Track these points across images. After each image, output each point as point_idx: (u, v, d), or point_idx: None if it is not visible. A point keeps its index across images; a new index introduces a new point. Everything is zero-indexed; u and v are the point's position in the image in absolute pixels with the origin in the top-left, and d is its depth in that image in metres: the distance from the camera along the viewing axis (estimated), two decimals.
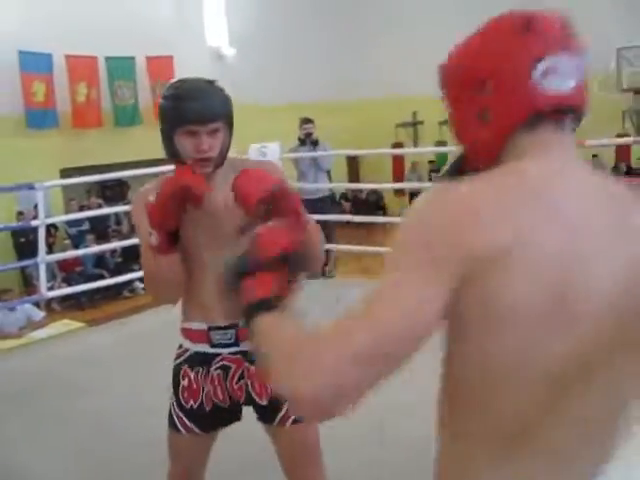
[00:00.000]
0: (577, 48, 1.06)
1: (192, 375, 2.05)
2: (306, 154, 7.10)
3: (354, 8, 16.49)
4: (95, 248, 9.35)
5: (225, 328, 1.99)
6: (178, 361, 2.10)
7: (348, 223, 14.75)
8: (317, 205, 7.13)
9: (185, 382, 2.05)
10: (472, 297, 0.93)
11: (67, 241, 10.79)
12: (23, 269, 10.62)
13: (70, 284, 9.88)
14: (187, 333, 2.08)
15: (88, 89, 12.01)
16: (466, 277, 0.92)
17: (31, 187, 5.91)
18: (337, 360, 0.90)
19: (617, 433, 1.05)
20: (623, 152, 12.50)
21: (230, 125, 1.96)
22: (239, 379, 2.02)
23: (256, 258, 1.17)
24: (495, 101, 1.05)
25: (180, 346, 2.11)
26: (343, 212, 15.43)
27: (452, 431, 1.06)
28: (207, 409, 2.05)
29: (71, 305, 10.33)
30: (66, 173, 10.91)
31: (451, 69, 1.11)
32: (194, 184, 1.81)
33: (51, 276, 8.98)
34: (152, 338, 4.80)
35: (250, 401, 2.05)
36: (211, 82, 1.96)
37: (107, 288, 9.64)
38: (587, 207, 0.99)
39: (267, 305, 1.11)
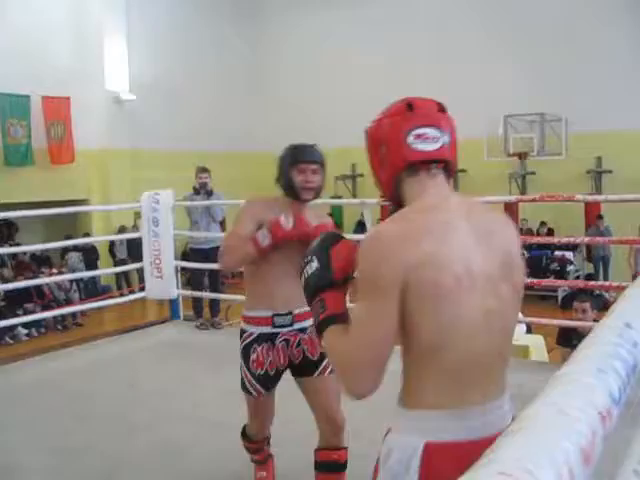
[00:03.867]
0: (444, 122, 1.61)
1: (259, 349, 2.82)
2: (199, 203, 7.13)
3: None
4: None
5: (284, 315, 2.82)
6: (247, 342, 2.85)
7: (241, 273, 14.52)
8: (207, 255, 7.14)
9: (254, 356, 2.83)
10: (411, 286, 1.45)
11: None
12: None
13: None
14: (253, 320, 2.86)
15: None
16: (405, 280, 1.45)
17: None
18: (355, 374, 1.49)
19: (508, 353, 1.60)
20: (511, 212, 13.16)
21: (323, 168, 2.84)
22: (297, 345, 2.85)
23: (332, 277, 1.64)
24: (387, 156, 1.61)
25: (244, 331, 2.88)
26: None
27: (409, 373, 1.56)
28: (271, 373, 2.84)
29: None
30: None
31: (368, 137, 1.68)
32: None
33: None
34: (32, 390, 4.62)
35: (304, 359, 2.85)
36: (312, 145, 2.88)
37: None
38: (458, 224, 1.54)
39: (336, 319, 1.60)
